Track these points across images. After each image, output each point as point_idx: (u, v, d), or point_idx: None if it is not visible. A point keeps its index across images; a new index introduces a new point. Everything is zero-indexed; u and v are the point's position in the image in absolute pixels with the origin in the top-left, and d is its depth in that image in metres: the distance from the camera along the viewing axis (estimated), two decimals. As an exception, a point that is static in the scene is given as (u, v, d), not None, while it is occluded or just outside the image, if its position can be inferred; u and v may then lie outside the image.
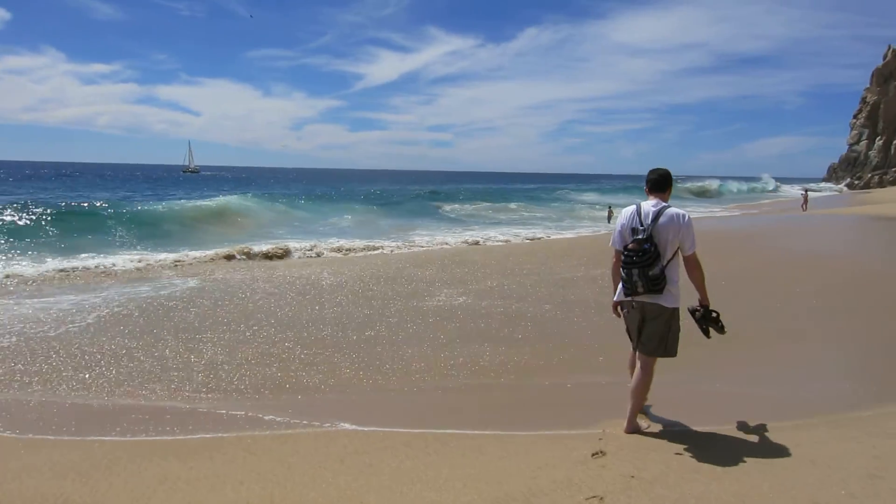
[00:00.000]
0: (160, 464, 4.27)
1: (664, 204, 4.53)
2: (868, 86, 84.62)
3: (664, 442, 4.32)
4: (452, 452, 4.33)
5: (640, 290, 4.41)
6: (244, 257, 15.91)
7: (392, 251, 18.41)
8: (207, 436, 4.84)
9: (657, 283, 4.35)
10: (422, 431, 4.80)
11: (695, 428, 4.59)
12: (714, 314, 4.63)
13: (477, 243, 21.16)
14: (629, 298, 4.55)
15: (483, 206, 42.95)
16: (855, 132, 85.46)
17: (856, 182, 77.74)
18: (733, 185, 77.37)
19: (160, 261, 14.91)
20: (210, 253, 16.06)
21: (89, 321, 8.53)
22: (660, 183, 4.61)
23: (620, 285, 4.60)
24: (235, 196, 33.64)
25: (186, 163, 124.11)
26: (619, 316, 4.80)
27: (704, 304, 4.65)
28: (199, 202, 30.09)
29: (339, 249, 18.17)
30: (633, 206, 4.61)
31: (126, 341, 7.51)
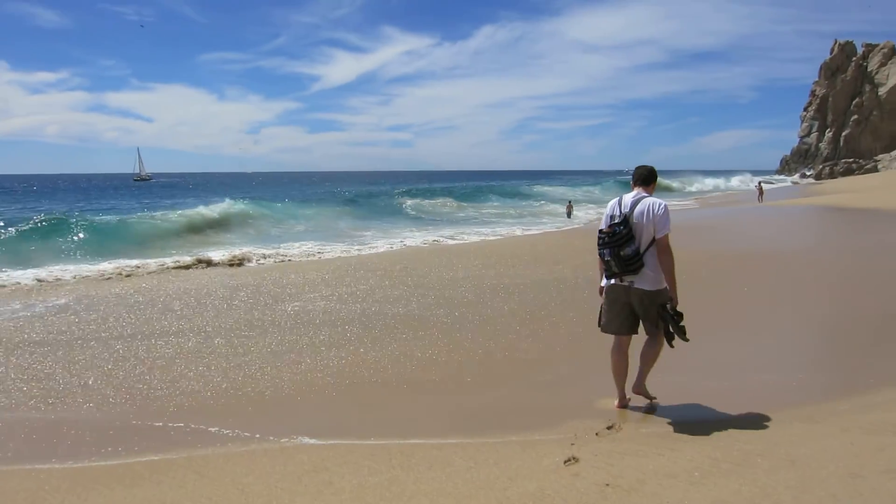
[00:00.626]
0: (103, 492, 3.94)
1: (644, 194, 4.80)
2: (817, 79, 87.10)
3: (638, 444, 4.16)
4: (418, 465, 4.10)
5: (616, 269, 4.64)
6: (179, 267, 15.21)
7: (358, 253, 18.09)
8: (155, 458, 4.49)
9: (630, 264, 4.57)
10: (385, 443, 4.55)
11: (667, 427, 4.46)
12: (678, 316, 4.56)
13: (437, 241, 20.99)
14: (612, 281, 4.78)
15: (445, 203, 42.75)
16: (805, 125, 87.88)
17: (807, 173, 79.86)
18: (709, 181, 77.40)
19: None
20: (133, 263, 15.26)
21: None
22: (644, 177, 4.92)
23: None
24: (196, 206, 31.62)
25: (137, 170, 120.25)
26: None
27: (670, 295, 4.62)
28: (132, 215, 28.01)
29: (283, 255, 17.59)
30: (617, 198, 4.89)
31: None
